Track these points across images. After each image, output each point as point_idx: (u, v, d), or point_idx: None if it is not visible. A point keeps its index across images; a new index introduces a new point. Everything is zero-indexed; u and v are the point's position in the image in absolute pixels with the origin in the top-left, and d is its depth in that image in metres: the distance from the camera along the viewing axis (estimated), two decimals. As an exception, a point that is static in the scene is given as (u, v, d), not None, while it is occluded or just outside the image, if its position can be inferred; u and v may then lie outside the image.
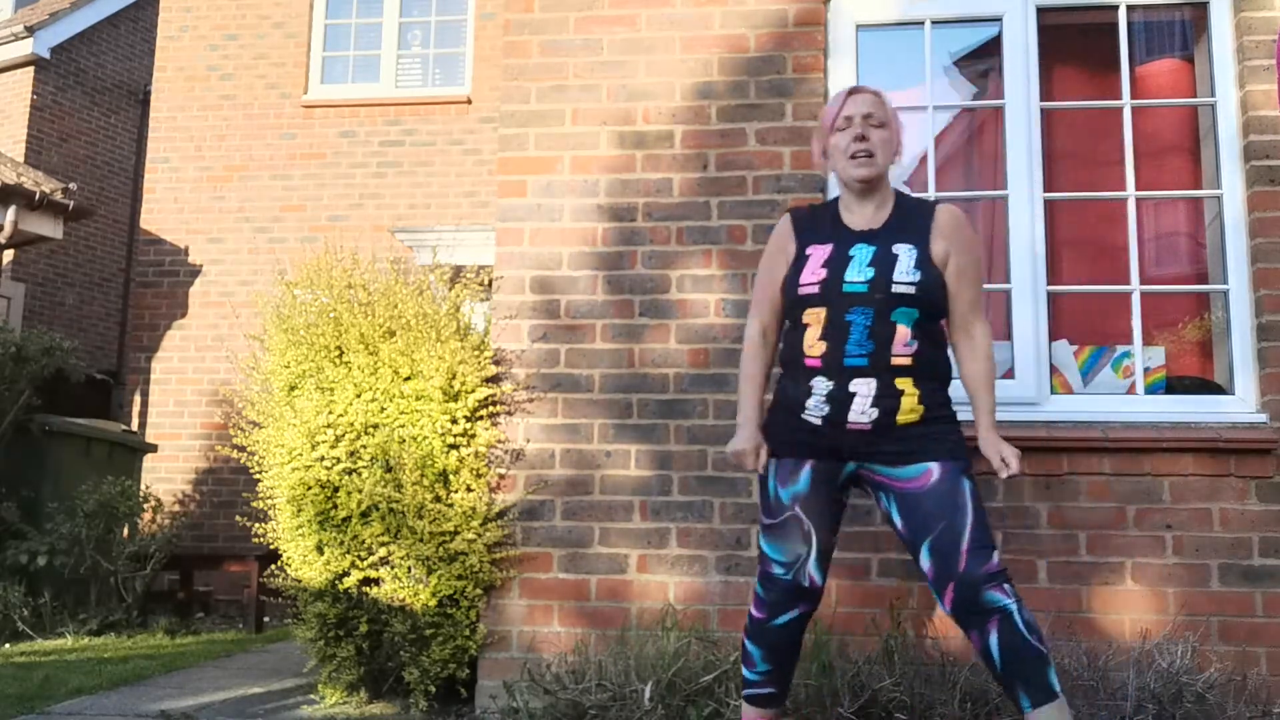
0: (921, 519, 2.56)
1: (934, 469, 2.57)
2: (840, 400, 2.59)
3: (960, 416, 2.70)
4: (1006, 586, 2.50)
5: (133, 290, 10.11)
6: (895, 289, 2.59)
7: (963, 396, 2.76)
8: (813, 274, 2.66)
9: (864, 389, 2.58)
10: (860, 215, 2.74)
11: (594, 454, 3.72)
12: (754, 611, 2.74)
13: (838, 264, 2.65)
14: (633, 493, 3.68)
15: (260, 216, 8.74)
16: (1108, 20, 3.88)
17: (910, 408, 2.59)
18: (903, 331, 2.59)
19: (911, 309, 2.60)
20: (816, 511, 2.66)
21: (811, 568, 2.65)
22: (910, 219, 2.71)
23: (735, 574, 3.58)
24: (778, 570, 2.67)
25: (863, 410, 2.58)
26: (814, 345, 2.63)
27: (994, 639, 2.48)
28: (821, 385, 2.61)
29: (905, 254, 2.63)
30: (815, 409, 2.63)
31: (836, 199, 2.84)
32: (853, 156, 2.69)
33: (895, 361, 2.58)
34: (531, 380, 3.78)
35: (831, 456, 2.65)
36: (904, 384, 2.59)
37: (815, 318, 2.64)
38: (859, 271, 2.62)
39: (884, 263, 2.62)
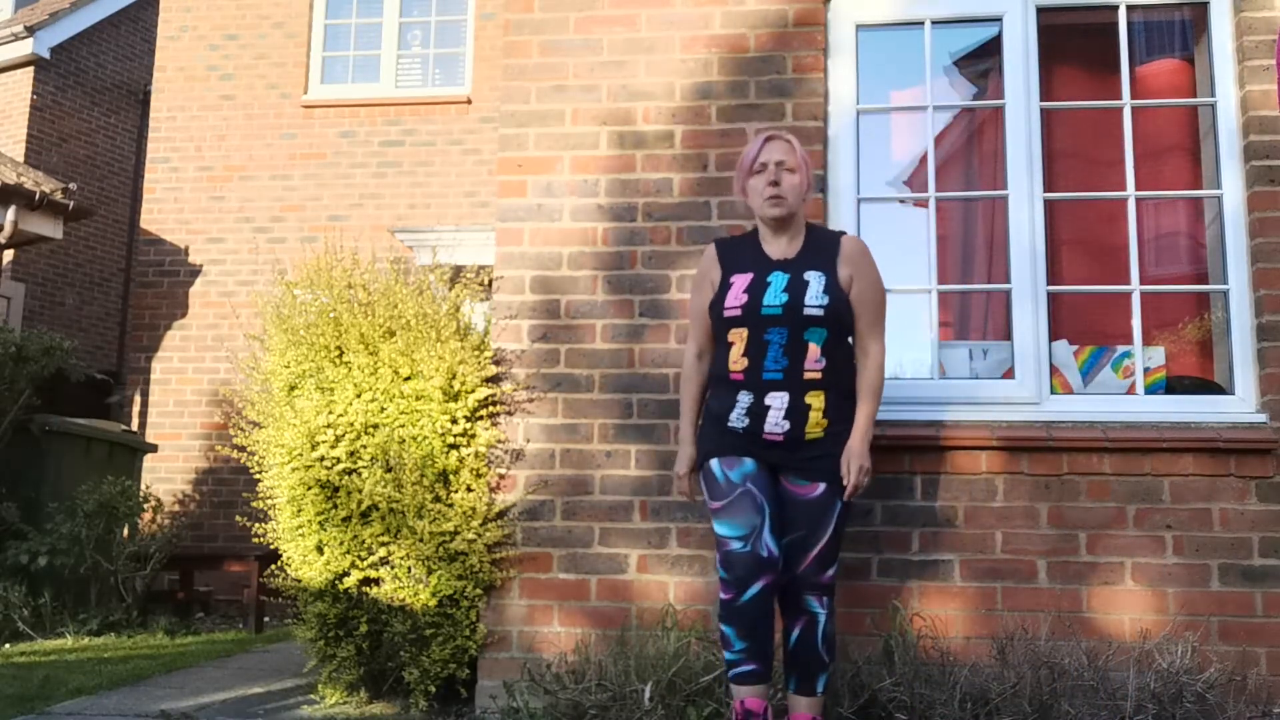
0: (792, 519, 2.97)
1: (822, 486, 2.97)
2: (757, 414, 2.96)
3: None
4: (825, 599, 2.99)
5: (133, 290, 10.11)
6: (806, 311, 2.96)
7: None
8: (735, 299, 3.03)
9: (777, 402, 2.94)
10: (776, 246, 3.11)
11: (594, 454, 3.72)
12: (722, 595, 2.96)
13: (757, 289, 3.02)
14: (633, 493, 3.68)
15: (260, 216, 8.74)
16: (1108, 20, 3.88)
17: (815, 421, 2.96)
18: (813, 349, 2.97)
19: (821, 328, 2.97)
20: (764, 484, 2.96)
21: (767, 538, 2.90)
22: (820, 249, 3.09)
23: (735, 574, 3.58)
24: (736, 545, 2.91)
25: (776, 423, 2.94)
26: (737, 361, 3.00)
27: (797, 632, 2.98)
28: (744, 399, 2.98)
29: (815, 280, 3.00)
30: (737, 420, 2.99)
31: (756, 229, 3.19)
32: (768, 199, 3.06)
33: (807, 376, 2.95)
34: (531, 380, 3.78)
35: (759, 460, 2.98)
36: (812, 398, 2.95)
37: (739, 337, 3.01)
38: (775, 296, 2.99)
39: (796, 288, 2.99)
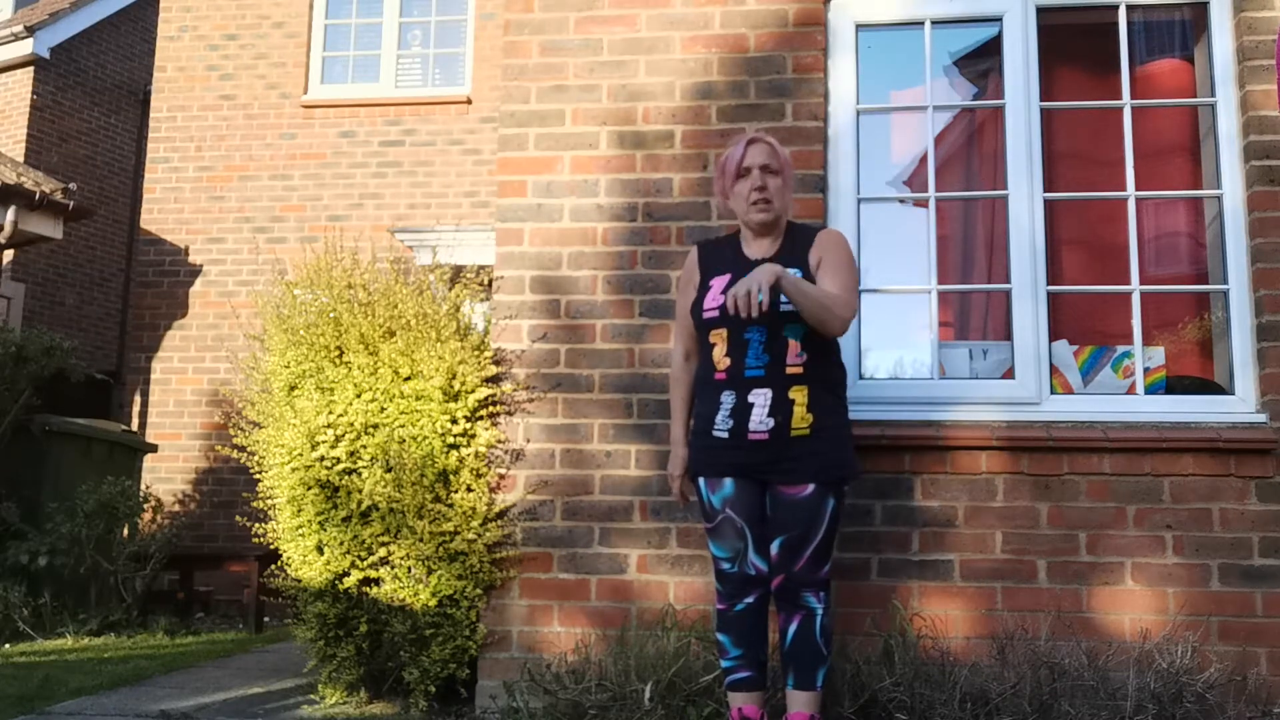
0: (786, 520, 2.97)
1: (811, 487, 2.96)
2: (742, 411, 2.96)
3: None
4: (822, 594, 3.00)
5: (133, 290, 10.11)
6: (783, 308, 2.92)
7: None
8: (713, 300, 3.04)
9: (761, 399, 2.95)
10: (757, 247, 3.13)
11: (594, 454, 3.72)
12: (717, 604, 3.09)
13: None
14: (633, 493, 3.68)
15: (260, 216, 8.74)
16: (1108, 20, 3.88)
17: (800, 417, 2.94)
18: (794, 345, 2.96)
19: (799, 324, 2.95)
20: (745, 508, 3.00)
21: (753, 558, 3.00)
22: (797, 245, 3.10)
23: (735, 574, 3.58)
24: (725, 565, 3.04)
25: (761, 420, 2.94)
26: (721, 360, 3.01)
27: (794, 626, 2.99)
28: (728, 398, 2.99)
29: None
30: (722, 423, 2.99)
31: (738, 231, 3.22)
32: (754, 204, 3.07)
33: (789, 371, 2.95)
34: (531, 380, 3.78)
35: (744, 473, 2.99)
36: (796, 394, 2.95)
37: (720, 337, 3.02)
38: None
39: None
